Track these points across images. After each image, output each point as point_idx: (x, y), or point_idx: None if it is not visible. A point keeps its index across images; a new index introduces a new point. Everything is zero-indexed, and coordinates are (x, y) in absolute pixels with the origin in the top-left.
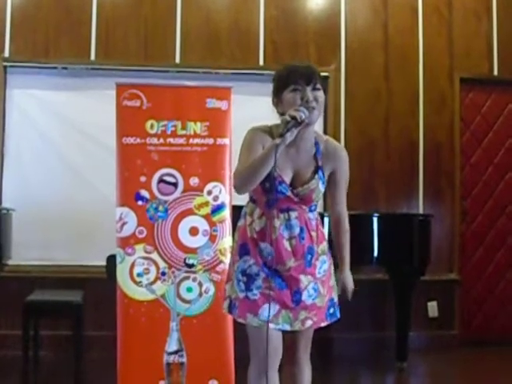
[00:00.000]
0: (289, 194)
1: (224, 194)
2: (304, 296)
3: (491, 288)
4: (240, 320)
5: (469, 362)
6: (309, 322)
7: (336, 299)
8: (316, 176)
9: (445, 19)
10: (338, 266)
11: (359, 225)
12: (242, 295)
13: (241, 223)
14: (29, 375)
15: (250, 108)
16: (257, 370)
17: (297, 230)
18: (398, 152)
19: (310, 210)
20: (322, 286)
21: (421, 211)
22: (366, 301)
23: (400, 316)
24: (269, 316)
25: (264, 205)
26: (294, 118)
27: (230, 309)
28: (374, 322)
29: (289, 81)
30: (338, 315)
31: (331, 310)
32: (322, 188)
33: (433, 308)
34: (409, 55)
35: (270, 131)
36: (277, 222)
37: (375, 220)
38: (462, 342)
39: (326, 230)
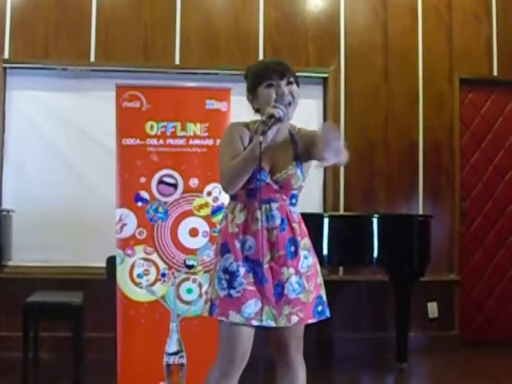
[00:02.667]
0: (268, 180)
1: (224, 195)
2: (286, 289)
3: (491, 288)
4: (221, 318)
5: (469, 362)
6: (295, 318)
7: (325, 297)
8: (294, 163)
9: (444, 20)
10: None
11: (359, 226)
12: (223, 293)
13: (222, 225)
14: (29, 376)
15: (249, 109)
16: (220, 372)
17: (278, 221)
18: (398, 153)
19: (291, 204)
20: (306, 282)
21: (420, 212)
22: (366, 301)
23: (400, 317)
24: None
25: (245, 197)
26: (272, 115)
27: (211, 311)
28: (374, 322)
29: (263, 77)
30: (328, 314)
31: (319, 308)
32: (300, 176)
33: (433, 309)
34: (408, 56)
35: (247, 125)
36: (258, 214)
37: (375, 221)
38: (461, 342)
39: (325, 233)
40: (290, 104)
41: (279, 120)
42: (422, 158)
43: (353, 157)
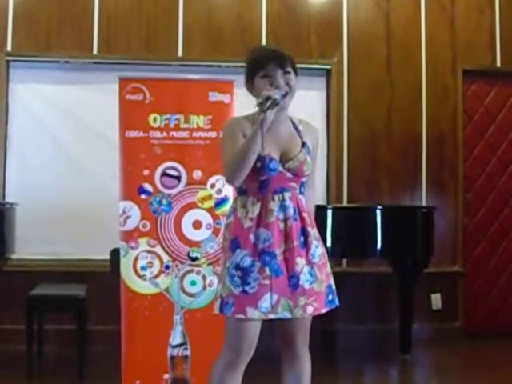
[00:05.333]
0: (280, 169)
1: (227, 187)
2: (301, 280)
3: (495, 280)
4: (239, 316)
5: (472, 353)
6: (310, 308)
7: (334, 286)
8: (303, 150)
9: (447, 11)
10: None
11: (362, 217)
12: (237, 290)
13: (230, 220)
14: (33, 369)
15: (252, 101)
16: (225, 363)
17: (291, 211)
18: (401, 144)
19: (301, 192)
20: (319, 271)
21: (424, 203)
22: (370, 293)
23: (403, 308)
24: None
25: (256, 190)
26: (268, 97)
27: (222, 308)
28: (378, 314)
29: (259, 67)
30: (337, 303)
31: (330, 297)
32: (310, 162)
33: (436, 300)
34: (411, 47)
35: (247, 118)
36: (272, 205)
37: (378, 213)
38: (465, 333)
39: (329, 225)
40: (286, 94)
41: (275, 103)
42: (426, 150)
43: (356, 148)
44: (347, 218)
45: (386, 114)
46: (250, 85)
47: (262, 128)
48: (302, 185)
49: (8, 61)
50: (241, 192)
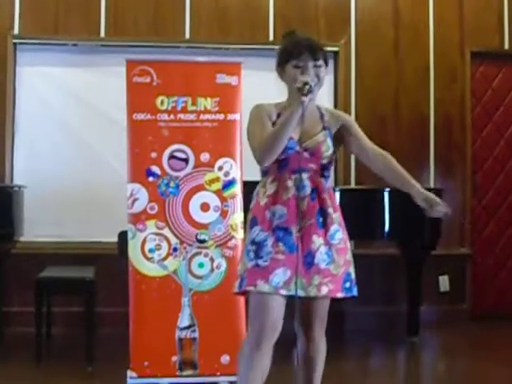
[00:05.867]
0: (297, 148)
1: (235, 169)
2: (317, 259)
3: (503, 262)
4: (249, 288)
5: (480, 336)
6: (324, 289)
7: (353, 275)
8: (323, 132)
9: None
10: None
11: (370, 199)
12: (250, 264)
13: (253, 203)
14: (42, 352)
15: (260, 83)
16: (250, 344)
17: (308, 190)
18: (409, 127)
19: (323, 176)
20: (337, 254)
21: (432, 186)
22: (378, 275)
23: (411, 290)
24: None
25: (276, 170)
26: (306, 83)
27: (240, 286)
28: (386, 296)
29: (292, 56)
30: (355, 293)
31: (347, 284)
32: (330, 144)
33: (444, 282)
34: (419, 29)
35: (273, 105)
36: (289, 183)
37: (386, 194)
38: (473, 316)
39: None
40: (314, 85)
41: (311, 90)
42: (434, 132)
43: (364, 130)
44: (355, 200)
45: (393, 96)
46: (281, 69)
47: (298, 111)
48: (323, 168)
49: (15, 44)
50: (263, 173)
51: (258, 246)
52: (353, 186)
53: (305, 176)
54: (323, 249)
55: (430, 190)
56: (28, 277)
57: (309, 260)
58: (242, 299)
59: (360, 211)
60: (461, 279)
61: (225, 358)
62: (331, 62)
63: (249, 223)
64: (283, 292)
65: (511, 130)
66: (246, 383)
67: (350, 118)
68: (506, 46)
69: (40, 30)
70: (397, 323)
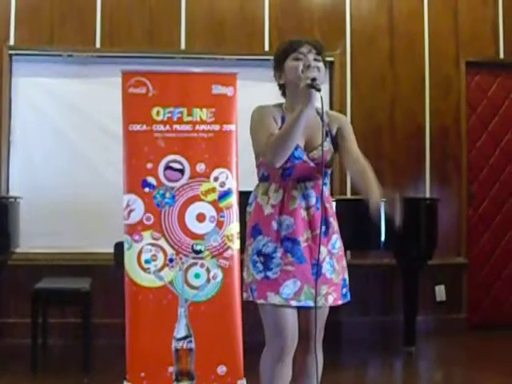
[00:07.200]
0: (305, 158)
1: (231, 179)
2: (324, 269)
3: (499, 271)
4: (260, 301)
5: (477, 345)
6: (330, 298)
7: (348, 281)
8: (327, 139)
9: (450, 2)
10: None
11: (366, 209)
12: (259, 276)
13: (252, 207)
14: (38, 363)
15: (256, 94)
16: (273, 357)
17: (313, 200)
18: (405, 136)
19: (324, 183)
20: (336, 263)
21: (427, 195)
22: (374, 285)
23: (408, 300)
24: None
25: (280, 177)
26: (314, 78)
27: (251, 296)
28: (382, 306)
29: (292, 48)
30: (349, 298)
31: (344, 291)
32: (333, 151)
33: (440, 292)
34: (414, 39)
35: (275, 106)
36: (295, 193)
37: (382, 205)
38: (469, 325)
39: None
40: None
41: (318, 88)
42: (429, 142)
43: (359, 140)
44: (351, 210)
45: (389, 105)
46: (281, 69)
47: (308, 108)
48: (325, 175)
49: (11, 55)
50: (263, 178)
51: (266, 258)
52: (349, 196)
53: (309, 185)
54: (328, 259)
55: (425, 199)
56: (24, 288)
57: (316, 270)
58: (238, 309)
59: (356, 221)
60: (457, 289)
61: (221, 369)
62: (327, 72)
63: (250, 230)
64: (294, 303)
65: (506, 139)
66: None
67: (346, 120)
68: (501, 56)
69: (35, 41)
70: (393, 333)
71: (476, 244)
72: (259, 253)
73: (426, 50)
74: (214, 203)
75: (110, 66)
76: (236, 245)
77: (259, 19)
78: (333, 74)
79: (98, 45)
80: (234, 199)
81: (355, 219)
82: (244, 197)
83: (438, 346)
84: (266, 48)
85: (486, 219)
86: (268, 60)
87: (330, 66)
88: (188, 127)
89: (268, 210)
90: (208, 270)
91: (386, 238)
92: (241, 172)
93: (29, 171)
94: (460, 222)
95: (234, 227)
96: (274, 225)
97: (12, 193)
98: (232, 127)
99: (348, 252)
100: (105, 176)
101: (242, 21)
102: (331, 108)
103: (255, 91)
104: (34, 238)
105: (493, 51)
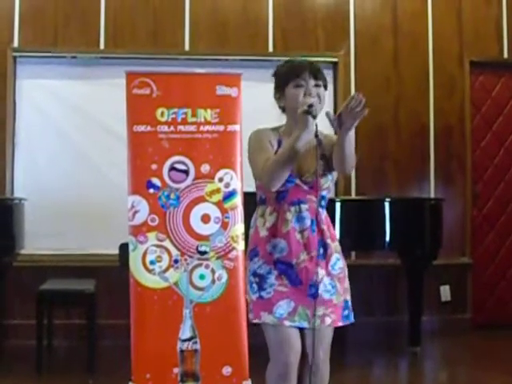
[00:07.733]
0: (297, 181)
1: (235, 180)
2: (320, 289)
3: (503, 271)
4: (255, 320)
5: (482, 345)
6: (328, 319)
7: (350, 303)
8: (321, 162)
9: (454, 2)
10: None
11: (371, 209)
12: (255, 296)
13: (252, 231)
14: (43, 364)
15: (260, 94)
16: (276, 373)
17: (308, 222)
18: (409, 136)
19: (321, 206)
20: (339, 284)
21: (432, 195)
22: (379, 286)
23: (412, 300)
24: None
25: (274, 200)
26: (311, 105)
27: (250, 313)
28: (387, 306)
29: (293, 75)
30: (352, 319)
31: (345, 312)
32: (329, 176)
33: (445, 292)
34: (418, 39)
35: (272, 130)
36: (288, 215)
37: (387, 205)
38: (474, 325)
39: (337, 217)
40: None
41: (315, 113)
42: (433, 142)
43: (364, 141)
44: (356, 211)
45: (393, 106)
46: (281, 94)
47: (305, 134)
48: (322, 198)
49: (15, 57)
50: (261, 201)
51: (260, 278)
52: (353, 196)
53: (304, 207)
54: (326, 280)
55: (430, 199)
56: (29, 289)
57: (312, 292)
58: (243, 310)
59: (361, 222)
60: (462, 289)
61: (226, 370)
62: (331, 73)
63: (249, 252)
64: (287, 323)
65: (511, 139)
66: None
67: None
68: (505, 55)
69: (39, 43)
70: (398, 333)
71: (481, 244)
72: (255, 274)
73: (429, 49)
74: (218, 204)
75: (114, 67)
76: (241, 246)
77: (263, 20)
78: (337, 74)
79: (101, 46)
80: (238, 200)
81: (360, 219)
82: (249, 197)
83: (442, 346)
84: (270, 49)
85: (491, 219)
86: (272, 61)
87: (333, 66)
88: (192, 128)
89: (263, 233)
90: (213, 271)
91: (390, 238)
92: (245, 173)
93: (33, 173)
94: (464, 222)
95: (238, 228)
96: (268, 247)
97: (16, 194)
98: (236, 128)
99: (353, 252)
100: (109, 177)
101: (245, 21)
102: (335, 109)
103: (259, 92)
104: (38, 240)
105: (497, 51)
